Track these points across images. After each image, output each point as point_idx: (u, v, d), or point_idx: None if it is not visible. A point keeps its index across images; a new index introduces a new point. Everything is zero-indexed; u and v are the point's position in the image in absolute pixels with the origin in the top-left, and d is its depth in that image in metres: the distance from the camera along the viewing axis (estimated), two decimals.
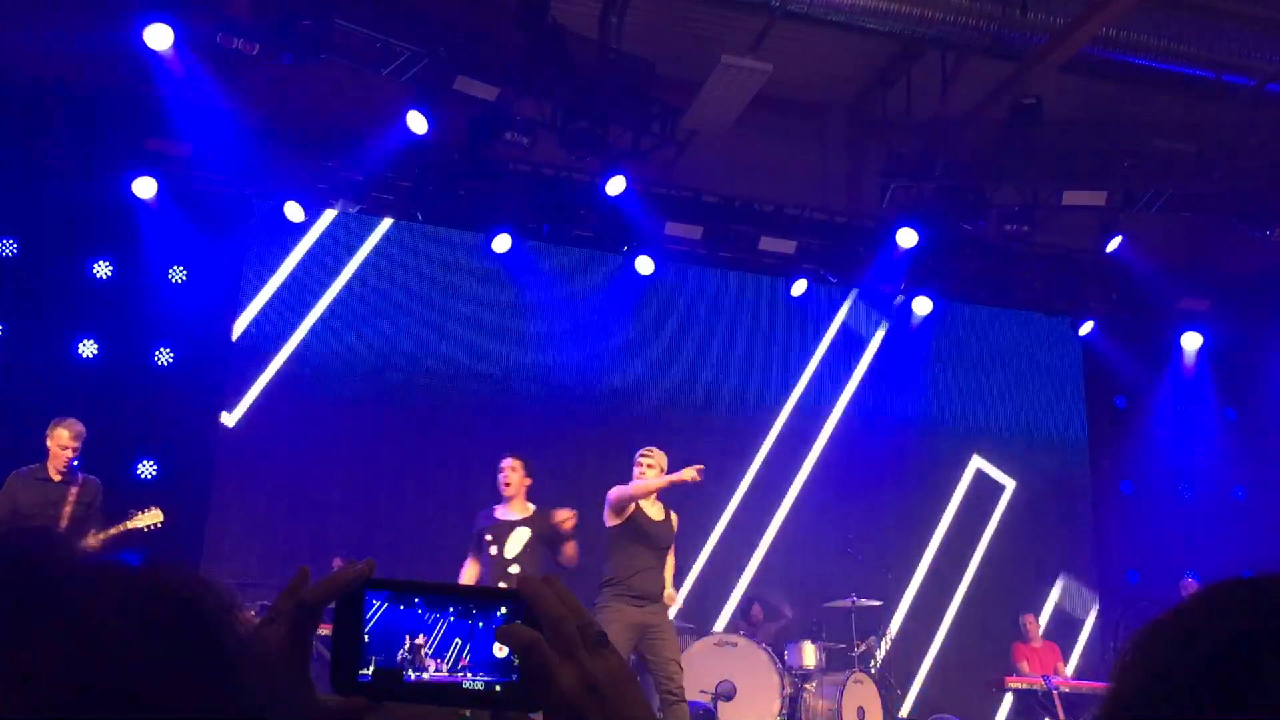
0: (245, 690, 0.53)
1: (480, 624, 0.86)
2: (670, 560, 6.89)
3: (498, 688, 0.85)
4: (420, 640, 0.86)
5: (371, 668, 0.86)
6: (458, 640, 0.86)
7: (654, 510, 6.78)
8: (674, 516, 6.92)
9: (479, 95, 8.54)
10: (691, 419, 10.74)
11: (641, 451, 6.88)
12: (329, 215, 10.18)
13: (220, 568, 9.10)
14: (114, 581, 0.53)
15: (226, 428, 9.53)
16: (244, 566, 8.86)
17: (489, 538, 6.80)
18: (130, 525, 6.66)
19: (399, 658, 0.86)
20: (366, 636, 0.86)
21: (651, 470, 6.71)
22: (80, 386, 8.88)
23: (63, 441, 6.65)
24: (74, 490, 6.62)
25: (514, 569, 6.64)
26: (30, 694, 0.47)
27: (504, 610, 0.86)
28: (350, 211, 10.20)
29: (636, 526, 6.62)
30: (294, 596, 0.84)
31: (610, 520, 6.71)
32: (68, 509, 6.54)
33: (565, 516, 6.75)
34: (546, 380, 10.52)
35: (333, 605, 0.86)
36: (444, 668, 0.85)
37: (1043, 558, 11.21)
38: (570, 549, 6.78)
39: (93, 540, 6.45)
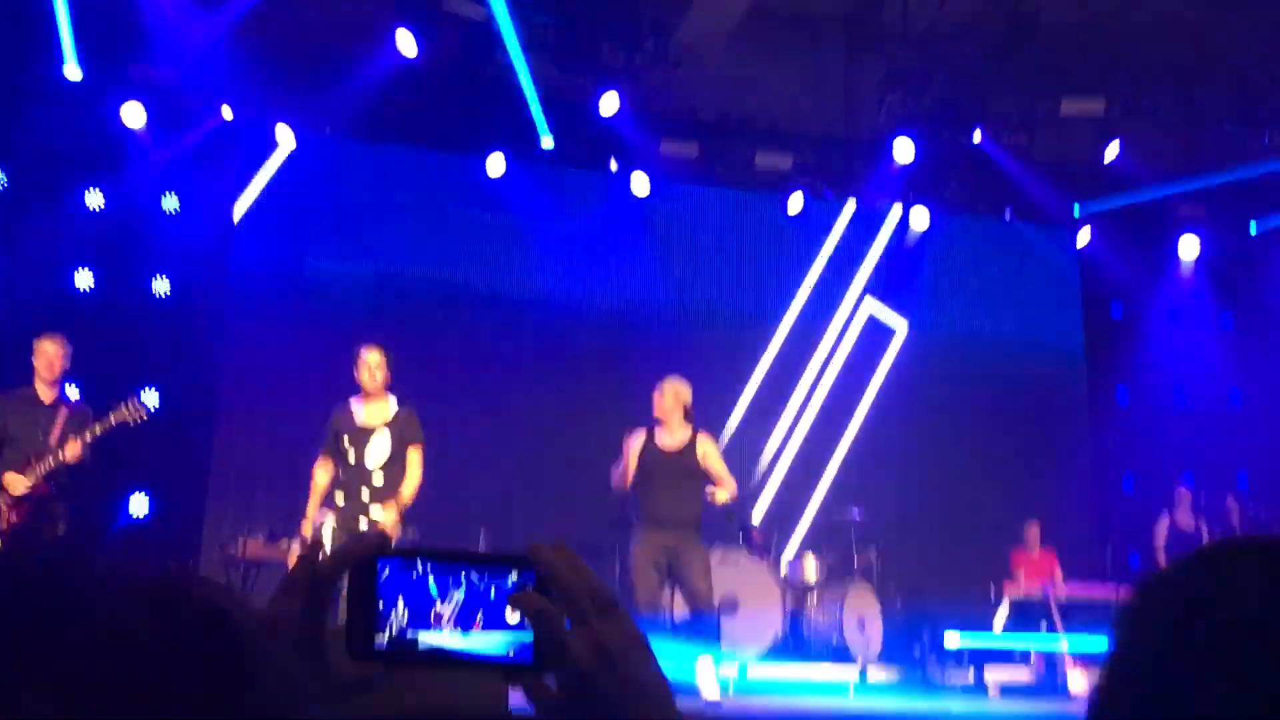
0: (263, 687, 0.54)
1: (492, 590, 0.87)
2: (723, 486, 6.77)
3: (511, 652, 0.86)
4: (435, 607, 0.87)
5: (387, 635, 0.87)
6: (471, 606, 0.87)
7: (669, 439, 6.78)
8: (703, 440, 6.84)
9: (469, 15, 8.40)
10: (689, 339, 10.74)
11: (657, 388, 6.90)
12: (321, 140, 10.06)
13: (225, 497, 9.21)
14: (136, 592, 0.54)
15: (229, 356, 9.53)
16: (248, 493, 8.94)
17: (346, 441, 6.46)
18: (115, 420, 6.48)
19: (413, 624, 0.87)
20: (380, 604, 0.87)
21: (659, 409, 6.83)
22: (79, 318, 8.86)
23: (45, 352, 6.50)
24: (64, 412, 6.50)
25: (378, 479, 6.41)
26: (60, 703, 0.48)
27: (515, 576, 0.87)
28: (342, 135, 10.08)
29: (646, 463, 6.73)
30: (308, 569, 0.85)
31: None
32: (56, 431, 6.41)
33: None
34: (543, 302, 10.50)
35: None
36: (457, 633, 0.87)
37: (1040, 466, 11.30)
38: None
39: (79, 445, 6.30)
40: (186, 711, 0.51)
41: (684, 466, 6.65)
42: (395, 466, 6.43)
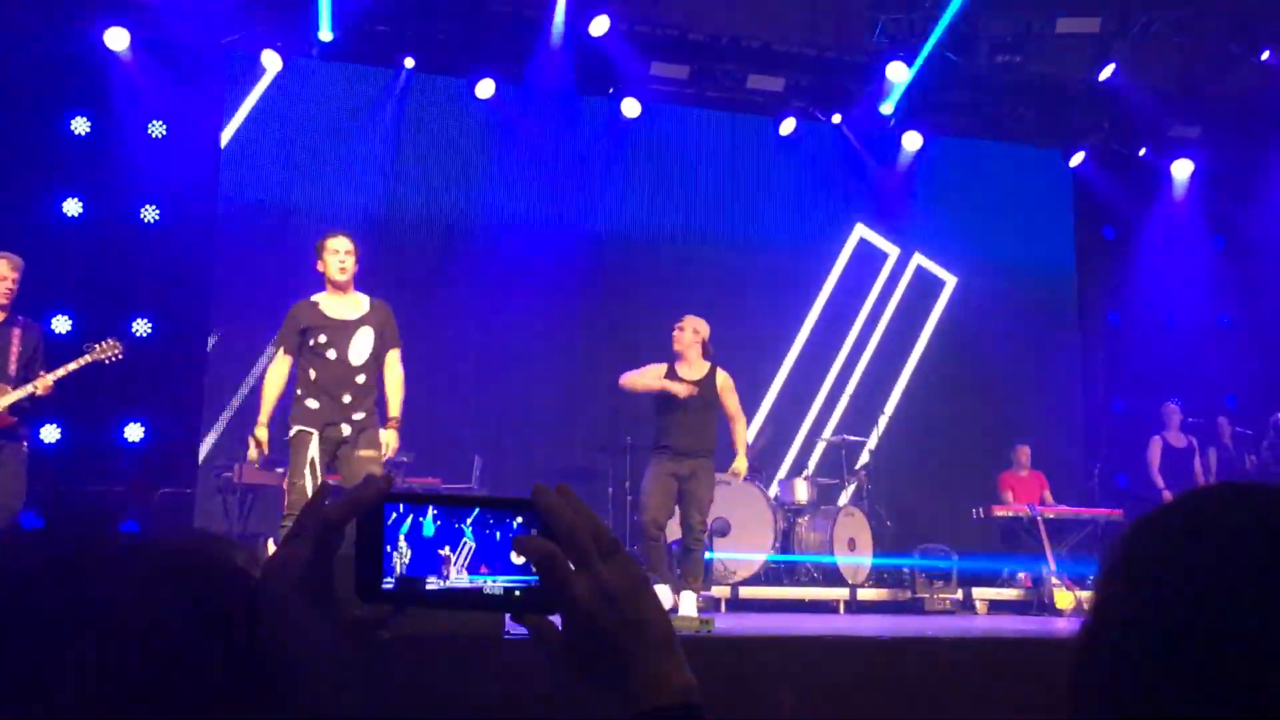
0: (275, 634, 0.56)
1: (497, 532, 0.89)
2: (738, 424, 7.14)
3: (517, 592, 0.88)
4: (440, 550, 0.89)
5: (394, 576, 0.89)
6: (476, 549, 0.89)
7: (689, 373, 7.01)
8: (721, 375, 7.07)
9: None
10: (684, 265, 10.73)
11: (678, 324, 7.14)
12: (307, 63, 9.93)
13: (218, 424, 9.24)
14: (147, 565, 0.55)
15: (220, 282, 9.48)
16: (241, 420, 8.95)
17: (322, 338, 5.90)
18: (90, 358, 6.45)
19: (419, 567, 0.89)
20: (388, 547, 0.89)
21: (679, 343, 7.05)
22: (68, 246, 8.82)
23: (2, 272, 6.36)
24: (16, 332, 6.36)
25: (361, 378, 5.90)
26: (83, 685, 0.50)
27: (520, 520, 0.89)
28: (328, 59, 9.94)
29: (666, 395, 6.93)
30: (317, 515, 0.87)
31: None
32: (14, 350, 6.29)
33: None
34: (533, 227, 10.45)
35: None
36: (464, 574, 0.89)
37: (1029, 388, 11.38)
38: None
39: (50, 379, 6.25)
40: (213, 677, 0.53)
41: (703, 399, 6.92)
42: (374, 366, 5.96)
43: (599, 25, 9.34)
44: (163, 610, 0.53)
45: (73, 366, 6.40)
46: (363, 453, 5.82)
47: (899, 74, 10.19)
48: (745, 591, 8.59)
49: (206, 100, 9.53)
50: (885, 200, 11.45)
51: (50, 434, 8.51)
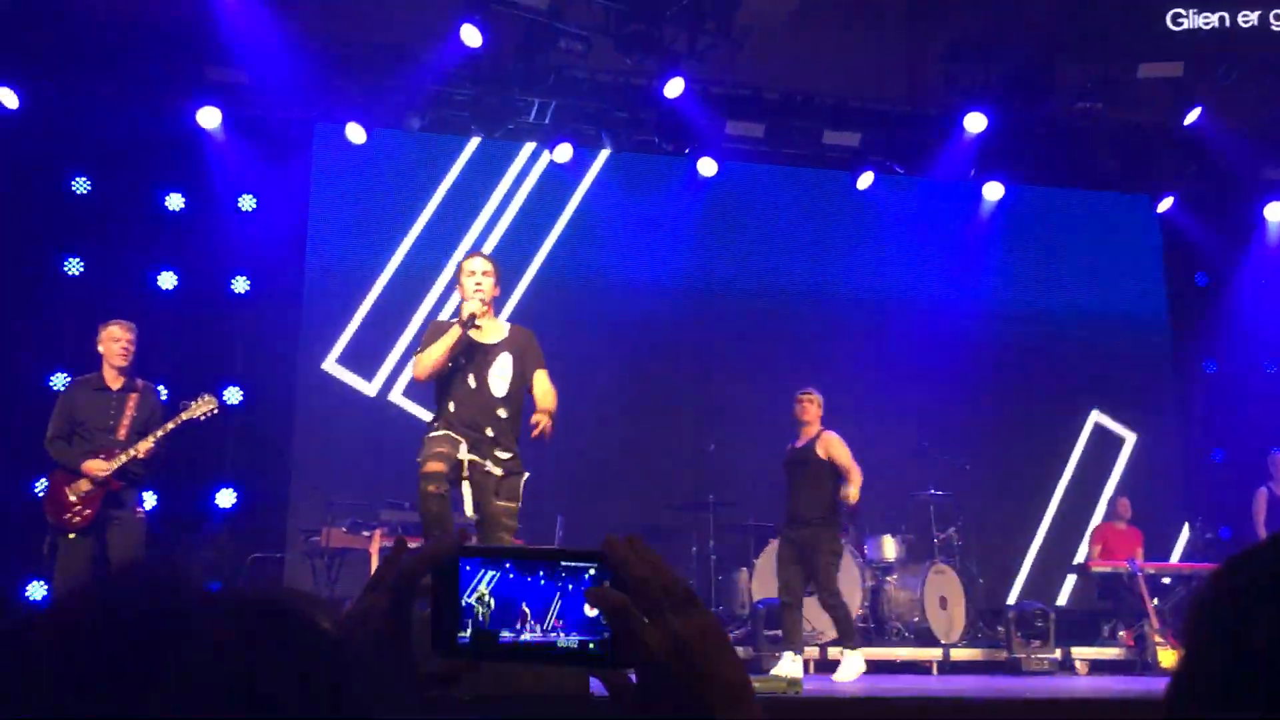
0: (355, 696, 0.57)
1: (570, 585, 0.90)
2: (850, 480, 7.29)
3: (591, 645, 0.89)
4: (515, 603, 0.90)
5: (470, 630, 0.90)
6: (550, 602, 0.90)
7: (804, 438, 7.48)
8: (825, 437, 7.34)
9: (530, 2, 8.45)
10: (766, 319, 10.72)
11: (807, 396, 7.57)
12: (391, 134, 10.19)
13: (307, 489, 9.40)
14: (234, 611, 0.57)
15: (306, 350, 9.71)
16: (329, 485, 9.10)
17: (462, 359, 5.44)
18: (185, 416, 6.46)
19: (495, 621, 0.90)
20: (463, 601, 0.91)
21: (807, 414, 7.53)
22: (162, 318, 9.11)
23: (114, 336, 6.48)
24: (133, 398, 6.49)
25: (502, 412, 5.41)
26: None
27: (592, 572, 0.89)
28: (409, 129, 10.20)
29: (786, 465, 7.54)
30: (394, 567, 0.89)
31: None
32: (127, 418, 6.42)
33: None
34: (613, 286, 10.53)
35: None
36: (538, 628, 0.90)
37: (1125, 440, 11.09)
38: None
39: (151, 440, 6.33)
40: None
41: (812, 465, 7.32)
42: (515, 396, 5.46)
43: (674, 87, 9.45)
44: (245, 662, 0.54)
45: (170, 426, 6.42)
46: (502, 503, 5.35)
47: (977, 124, 10.14)
48: (834, 652, 8.42)
49: (294, 173, 9.84)
50: (968, 252, 11.32)
51: (148, 501, 8.73)
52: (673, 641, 0.81)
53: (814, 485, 7.27)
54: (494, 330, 5.58)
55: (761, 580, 8.50)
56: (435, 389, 5.54)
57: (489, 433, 5.35)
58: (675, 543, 9.25)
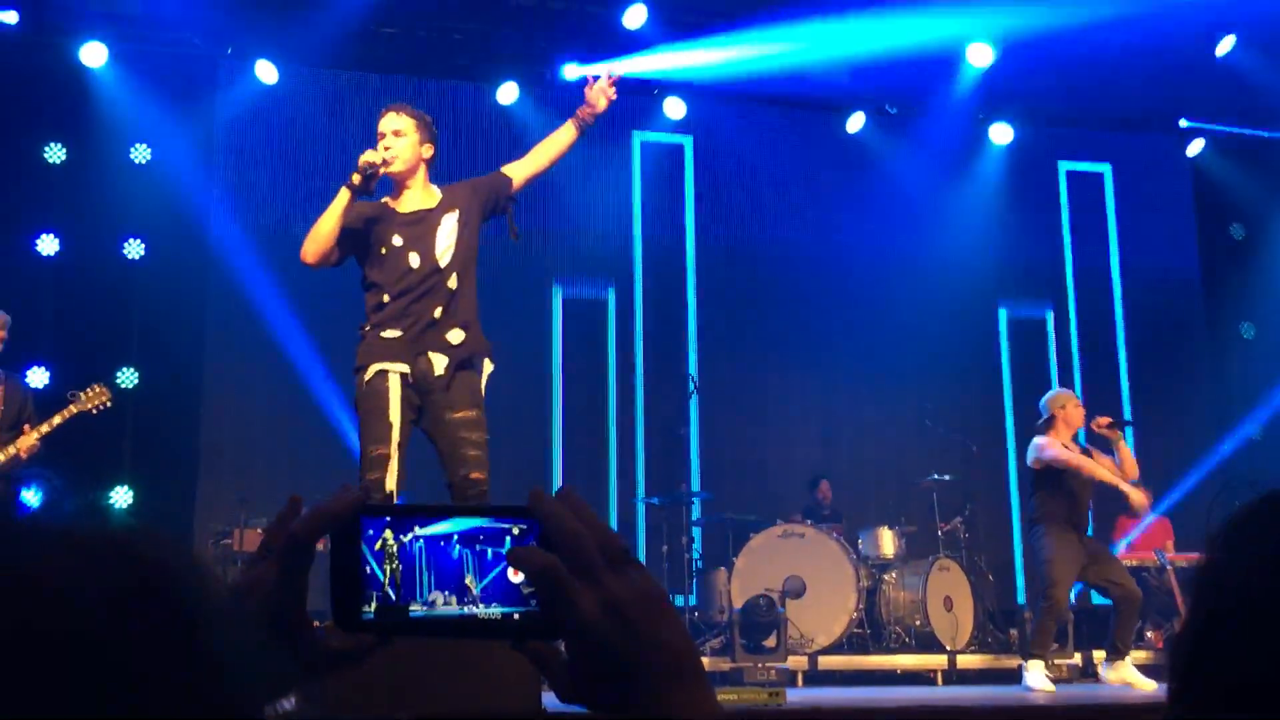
0: (213, 652, 0.55)
1: (490, 549, 0.89)
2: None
3: (515, 616, 0.87)
4: (428, 569, 0.89)
5: (374, 604, 0.89)
6: (467, 566, 0.88)
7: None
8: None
9: None
10: (732, 279, 10.79)
11: (1078, 404, 7.85)
12: (309, 74, 10.09)
13: (216, 483, 9.33)
14: (73, 546, 0.55)
15: (214, 326, 9.62)
16: (242, 480, 9.04)
17: (396, 240, 4.95)
18: (75, 409, 6.46)
19: (404, 589, 0.89)
20: (367, 569, 0.89)
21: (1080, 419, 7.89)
22: (43, 289, 8.99)
23: None
24: (0, 390, 6.50)
25: (453, 282, 4.97)
26: None
27: (516, 531, 0.88)
28: (331, 69, 10.10)
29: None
30: (283, 532, 0.87)
31: None
32: None
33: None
34: (576, 233, 10.56)
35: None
36: (454, 599, 0.88)
37: (1153, 409, 11.18)
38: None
39: (35, 436, 6.33)
40: (118, 666, 0.52)
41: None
42: (464, 257, 5.03)
43: (635, 16, 9.47)
44: (71, 594, 0.52)
45: (57, 420, 6.43)
46: (458, 414, 4.82)
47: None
48: (825, 661, 8.47)
49: (194, 119, 9.70)
50: (971, 204, 11.35)
51: (30, 500, 8.63)
52: (608, 605, 0.80)
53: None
54: (426, 196, 5.10)
55: (742, 582, 8.53)
56: (363, 282, 5.06)
57: (436, 314, 4.90)
58: (647, 540, 9.28)
